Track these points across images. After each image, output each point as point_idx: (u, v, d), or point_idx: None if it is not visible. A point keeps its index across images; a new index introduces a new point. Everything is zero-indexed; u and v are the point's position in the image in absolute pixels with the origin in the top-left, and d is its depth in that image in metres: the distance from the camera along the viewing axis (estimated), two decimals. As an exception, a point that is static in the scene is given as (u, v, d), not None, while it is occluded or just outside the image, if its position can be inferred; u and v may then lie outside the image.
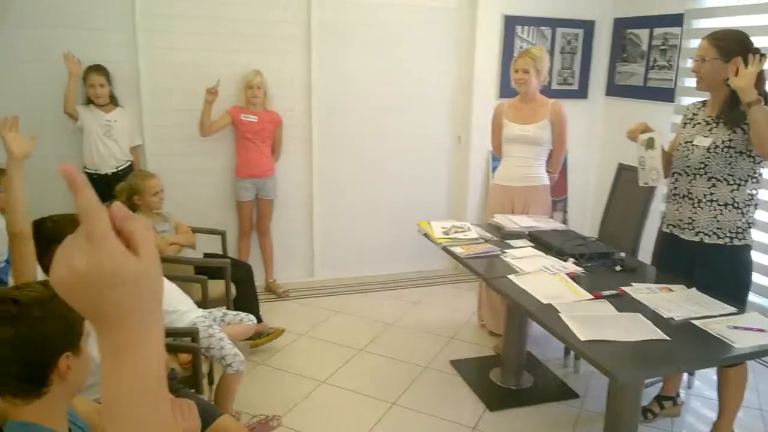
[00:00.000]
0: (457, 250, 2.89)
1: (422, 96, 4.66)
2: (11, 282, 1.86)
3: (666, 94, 4.27)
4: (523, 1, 4.60)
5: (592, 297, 2.37)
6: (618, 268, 2.72)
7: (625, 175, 3.46)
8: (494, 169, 4.57)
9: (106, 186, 3.80)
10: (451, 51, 4.66)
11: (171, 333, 2.22)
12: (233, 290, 3.39)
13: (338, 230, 4.70)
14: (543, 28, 4.71)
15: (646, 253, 3.21)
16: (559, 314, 2.21)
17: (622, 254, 2.87)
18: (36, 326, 1.23)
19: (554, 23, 4.73)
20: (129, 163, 3.97)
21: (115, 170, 3.90)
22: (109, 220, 0.51)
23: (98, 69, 3.81)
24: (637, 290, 2.45)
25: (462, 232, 3.09)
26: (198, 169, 4.25)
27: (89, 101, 3.85)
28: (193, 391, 2.21)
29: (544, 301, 2.32)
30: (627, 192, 3.42)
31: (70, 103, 3.77)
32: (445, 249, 2.97)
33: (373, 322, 3.97)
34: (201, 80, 3.99)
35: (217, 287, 3.20)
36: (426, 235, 3.15)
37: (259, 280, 3.94)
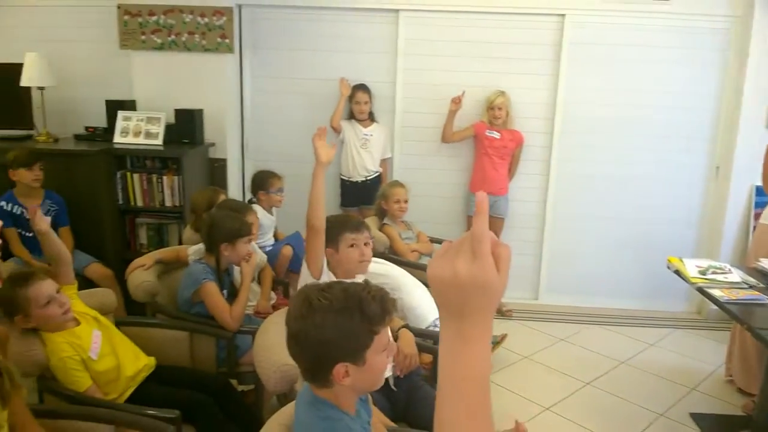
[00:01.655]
0: (716, 292, 2.62)
1: (676, 120, 4.32)
2: (304, 268, 2.15)
3: None
4: (813, 16, 4.02)
5: None
6: None
7: None
8: (758, 205, 4.07)
9: (355, 191, 4.27)
10: (716, 72, 4.24)
11: (418, 333, 2.38)
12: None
13: (568, 256, 4.56)
14: (837, 48, 4.06)
15: None
16: None
17: None
18: (313, 331, 1.33)
19: None
20: (378, 174, 4.35)
21: (364, 179, 4.31)
22: (490, 244, 0.67)
23: (364, 88, 4.27)
24: None
25: (722, 273, 2.80)
26: (436, 182, 4.48)
27: (352, 116, 4.31)
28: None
29: (831, 365, 2.01)
30: None
31: (336, 119, 4.27)
32: (701, 290, 2.72)
33: (601, 357, 3.77)
34: (448, 100, 4.22)
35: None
36: (677, 272, 2.91)
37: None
